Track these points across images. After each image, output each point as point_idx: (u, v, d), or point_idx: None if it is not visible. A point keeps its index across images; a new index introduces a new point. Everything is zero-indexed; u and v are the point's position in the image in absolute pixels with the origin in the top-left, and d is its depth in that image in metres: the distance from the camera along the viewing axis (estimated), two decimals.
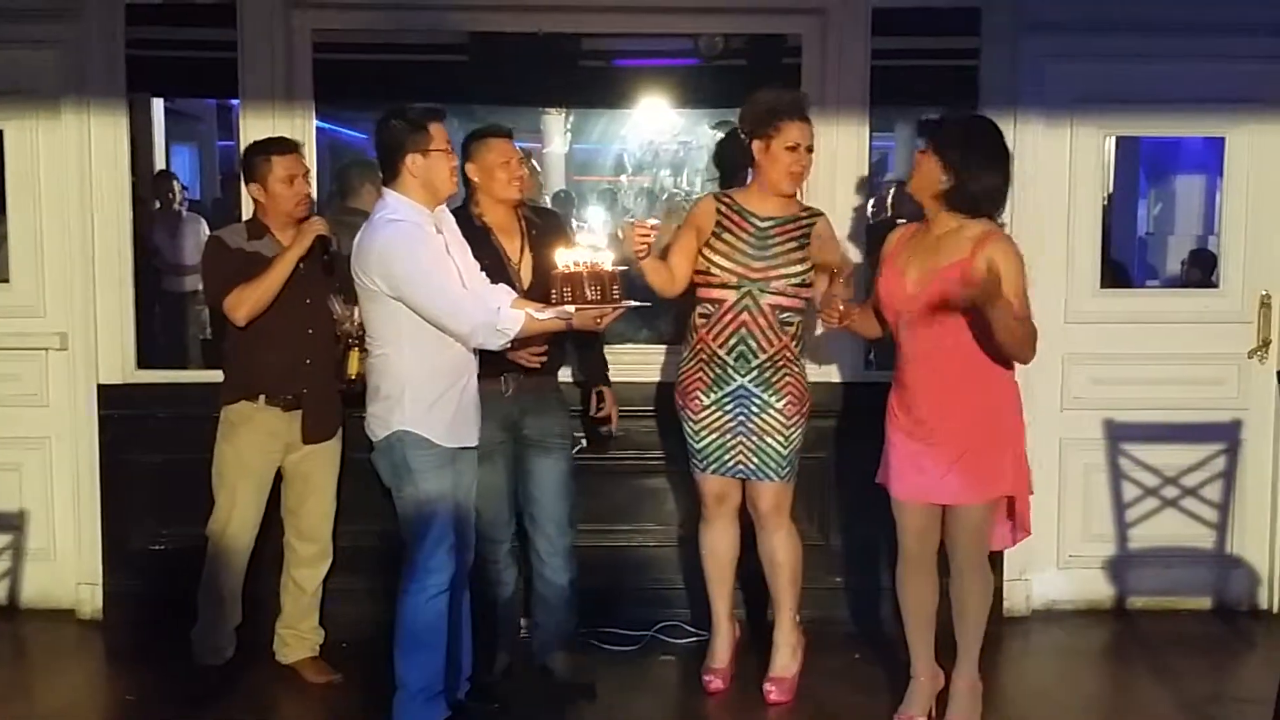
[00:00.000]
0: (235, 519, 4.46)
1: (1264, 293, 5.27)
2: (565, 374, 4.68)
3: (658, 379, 5.08)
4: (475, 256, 4.09)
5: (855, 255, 4.91)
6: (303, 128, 4.96)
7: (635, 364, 5.05)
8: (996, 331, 3.69)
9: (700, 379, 4.35)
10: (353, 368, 4.33)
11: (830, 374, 5.08)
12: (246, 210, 4.74)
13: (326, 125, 7.42)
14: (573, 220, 7.80)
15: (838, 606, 5.13)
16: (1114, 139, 6.46)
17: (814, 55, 5.06)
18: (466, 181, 4.29)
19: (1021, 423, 3.98)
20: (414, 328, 3.84)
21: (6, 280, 5.25)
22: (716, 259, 4.29)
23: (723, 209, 4.36)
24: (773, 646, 4.51)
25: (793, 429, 4.32)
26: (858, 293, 4.40)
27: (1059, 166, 5.19)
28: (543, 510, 4.41)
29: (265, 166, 4.40)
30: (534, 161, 7.16)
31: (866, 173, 5.16)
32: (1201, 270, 6.92)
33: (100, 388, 5.09)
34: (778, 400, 4.28)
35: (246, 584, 4.56)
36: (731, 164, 5.04)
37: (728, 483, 4.42)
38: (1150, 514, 5.33)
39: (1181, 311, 5.38)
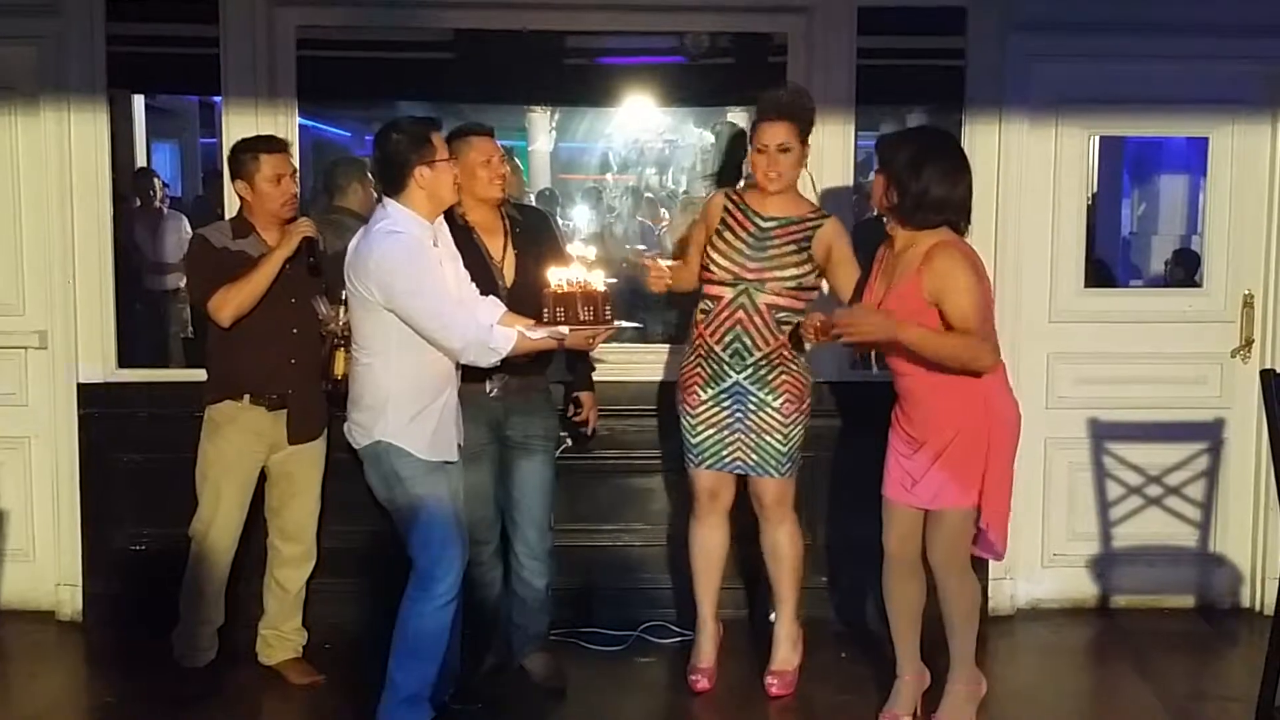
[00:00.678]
0: (218, 519, 4.43)
1: (1247, 292, 5.29)
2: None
3: (643, 378, 5.07)
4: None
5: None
6: (286, 125, 4.93)
7: (621, 363, 5.04)
8: (926, 355, 3.74)
9: (699, 374, 4.35)
10: (338, 368, 4.30)
11: (817, 375, 5.06)
12: (229, 208, 4.71)
13: (309, 123, 7.39)
14: (557, 218, 7.78)
15: (825, 605, 5.13)
16: (1098, 139, 6.46)
17: (800, 54, 5.06)
18: None
19: (1008, 441, 3.93)
20: (402, 340, 3.83)
21: None
22: (715, 256, 4.30)
23: (729, 206, 4.35)
24: (773, 640, 4.52)
25: (791, 426, 4.31)
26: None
27: (1044, 166, 5.20)
28: (524, 513, 4.40)
29: (253, 164, 4.37)
30: (515, 159, 7.13)
31: (852, 171, 5.16)
32: (1185, 270, 6.93)
33: (80, 387, 5.05)
34: (774, 399, 4.28)
35: (229, 585, 4.53)
36: (732, 161, 5.06)
37: (721, 479, 4.40)
38: (1134, 512, 5.35)
39: (1165, 311, 5.40)
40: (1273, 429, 3.84)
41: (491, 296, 4.10)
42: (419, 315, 3.79)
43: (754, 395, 4.29)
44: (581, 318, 3.87)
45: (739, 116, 9.06)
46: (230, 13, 4.92)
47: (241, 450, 4.43)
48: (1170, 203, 8.98)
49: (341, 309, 4.20)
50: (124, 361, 5.13)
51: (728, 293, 4.28)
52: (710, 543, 4.49)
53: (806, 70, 5.02)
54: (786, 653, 4.51)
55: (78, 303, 5.04)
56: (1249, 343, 5.29)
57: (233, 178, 4.47)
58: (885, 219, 3.97)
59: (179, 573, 4.50)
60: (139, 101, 8.44)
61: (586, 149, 9.47)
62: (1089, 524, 5.35)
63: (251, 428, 4.41)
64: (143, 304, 7.22)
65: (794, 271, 4.25)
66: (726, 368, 4.29)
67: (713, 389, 4.33)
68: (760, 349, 4.26)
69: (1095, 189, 7.84)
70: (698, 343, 4.36)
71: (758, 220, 4.30)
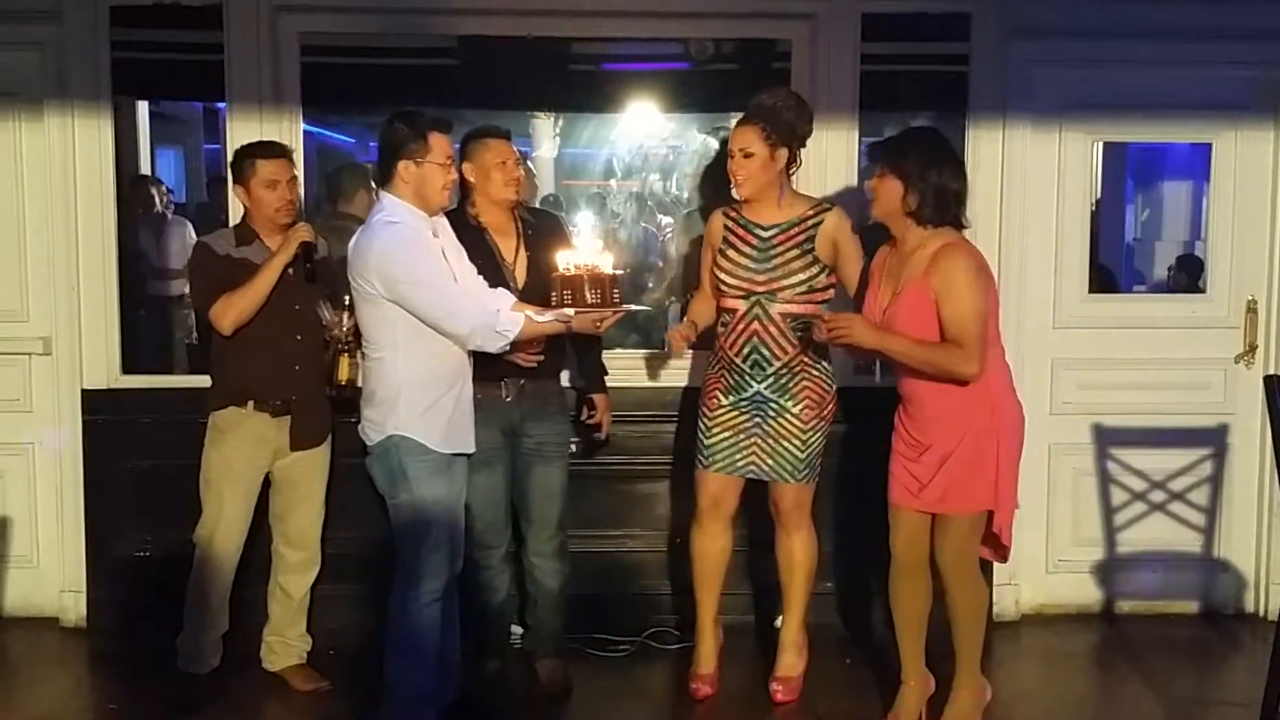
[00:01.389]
0: (223, 525, 4.43)
1: (1250, 298, 5.29)
2: (564, 378, 4.66)
3: (649, 384, 5.08)
4: (470, 257, 4.08)
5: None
6: (290, 131, 4.94)
7: (625, 368, 5.03)
8: (912, 365, 3.78)
9: (720, 384, 4.36)
10: (342, 374, 4.30)
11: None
12: (234, 214, 4.71)
13: (314, 129, 7.38)
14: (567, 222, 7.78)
15: (830, 611, 5.12)
16: (1102, 144, 6.47)
17: (804, 60, 5.07)
18: (463, 182, 4.28)
19: (1014, 442, 3.95)
20: (410, 332, 3.83)
21: None
22: (723, 275, 4.30)
23: (729, 223, 4.36)
24: (779, 646, 4.52)
25: (811, 433, 4.30)
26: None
27: (1048, 172, 5.21)
28: (539, 515, 4.42)
29: (250, 169, 4.38)
30: (529, 163, 7.13)
31: (856, 177, 5.15)
32: (1188, 275, 6.94)
33: (84, 393, 5.05)
34: (795, 405, 4.27)
35: (234, 591, 4.53)
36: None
37: (727, 485, 4.39)
38: (1138, 518, 5.35)
39: (1169, 316, 5.40)
40: (1276, 434, 3.84)
41: (501, 288, 4.10)
42: (423, 303, 3.79)
43: (775, 402, 4.29)
44: (589, 301, 3.86)
45: None
46: (235, 20, 4.93)
47: (245, 456, 4.43)
48: (1174, 208, 8.98)
49: (345, 314, 4.20)
50: (128, 368, 5.13)
51: (741, 305, 4.28)
52: (711, 550, 4.47)
53: (810, 76, 5.03)
54: (792, 659, 4.50)
55: (82, 309, 5.04)
56: (1253, 348, 5.29)
57: (234, 183, 4.48)
58: (888, 225, 3.97)
59: (183, 579, 4.50)
60: (143, 108, 8.44)
61: (590, 155, 9.45)
62: (1093, 529, 5.35)
63: (255, 434, 4.41)
64: (147, 310, 7.20)
65: (802, 277, 4.24)
66: (748, 378, 4.30)
67: (734, 396, 4.33)
68: (780, 358, 4.26)
69: (1099, 195, 7.83)
70: (719, 354, 4.37)
71: (758, 231, 4.29)
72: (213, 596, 4.47)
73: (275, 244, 4.38)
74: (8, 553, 5.19)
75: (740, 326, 4.29)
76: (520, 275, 4.29)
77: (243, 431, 4.40)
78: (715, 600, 4.54)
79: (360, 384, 4.14)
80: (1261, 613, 5.33)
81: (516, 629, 4.75)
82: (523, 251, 4.33)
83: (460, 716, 4.18)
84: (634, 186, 8.78)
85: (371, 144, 7.73)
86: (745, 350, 4.29)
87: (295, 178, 4.52)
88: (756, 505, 4.51)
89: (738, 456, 4.34)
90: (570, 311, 3.86)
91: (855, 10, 5.00)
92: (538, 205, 6.35)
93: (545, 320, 3.89)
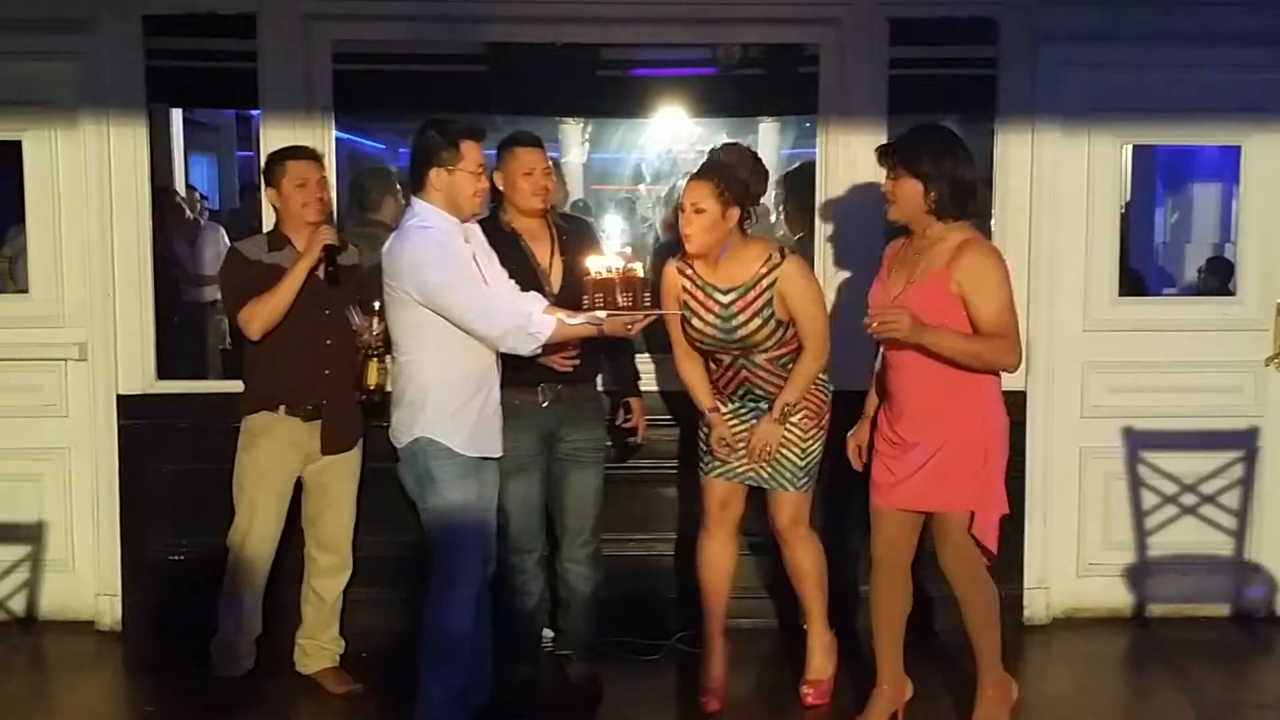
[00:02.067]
0: (255, 529, 4.48)
1: None
2: (599, 382, 4.67)
3: (679, 387, 5.07)
4: (504, 263, 4.12)
5: (869, 269, 4.88)
6: (322, 138, 4.97)
7: (656, 372, 5.03)
8: (949, 356, 3.75)
9: (720, 398, 4.37)
10: (372, 378, 4.34)
11: None
12: (267, 220, 4.75)
13: (346, 136, 7.44)
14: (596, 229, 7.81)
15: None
16: (1131, 147, 6.45)
17: (832, 65, 5.07)
18: (495, 189, 4.31)
19: (1003, 445, 3.95)
20: (439, 335, 3.86)
21: (26, 291, 5.27)
22: (696, 337, 4.28)
23: (687, 284, 4.29)
24: (807, 651, 4.50)
25: (809, 441, 4.31)
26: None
27: (1077, 175, 5.19)
28: (574, 521, 4.44)
29: (280, 170, 4.43)
30: (560, 170, 7.17)
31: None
32: (1218, 278, 6.91)
33: (120, 398, 5.10)
34: (793, 414, 4.27)
35: (267, 594, 4.58)
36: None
37: (732, 490, 4.40)
38: (1169, 521, 5.32)
39: (1199, 319, 5.37)
40: None
41: (533, 292, 4.13)
42: (455, 306, 3.82)
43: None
44: (621, 304, 3.86)
45: (770, 127, 9.08)
46: (268, 28, 4.96)
47: (277, 461, 4.47)
48: (1203, 211, 8.95)
49: (375, 319, 4.24)
50: (163, 373, 5.16)
51: (725, 358, 4.29)
52: (718, 559, 4.45)
53: (838, 81, 5.03)
54: (820, 661, 4.49)
55: (117, 315, 5.08)
56: None
57: (266, 185, 4.53)
58: (908, 225, 3.96)
59: (217, 583, 4.55)
60: (177, 115, 8.52)
61: (619, 160, 9.49)
62: (1124, 533, 5.32)
63: (287, 438, 4.45)
64: (181, 316, 7.27)
65: (769, 340, 4.20)
66: (748, 402, 4.33)
67: (733, 404, 4.36)
68: (774, 391, 4.27)
69: (1128, 197, 7.82)
70: (715, 383, 4.37)
71: (716, 295, 4.21)
72: (246, 600, 4.51)
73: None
74: (44, 556, 5.24)
75: (729, 374, 4.31)
76: (555, 281, 4.31)
77: (274, 436, 4.44)
78: (723, 610, 4.50)
79: (389, 388, 4.17)
80: None
81: (548, 632, 4.77)
82: (558, 256, 4.35)
83: (492, 719, 4.20)
84: (663, 191, 8.82)
85: (402, 150, 7.79)
86: (739, 391, 4.32)
87: (324, 178, 4.56)
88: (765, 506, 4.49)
89: (736, 463, 4.35)
90: (602, 314, 3.87)
91: (883, 15, 4.99)
92: (568, 210, 6.38)
93: (577, 323, 3.91)
